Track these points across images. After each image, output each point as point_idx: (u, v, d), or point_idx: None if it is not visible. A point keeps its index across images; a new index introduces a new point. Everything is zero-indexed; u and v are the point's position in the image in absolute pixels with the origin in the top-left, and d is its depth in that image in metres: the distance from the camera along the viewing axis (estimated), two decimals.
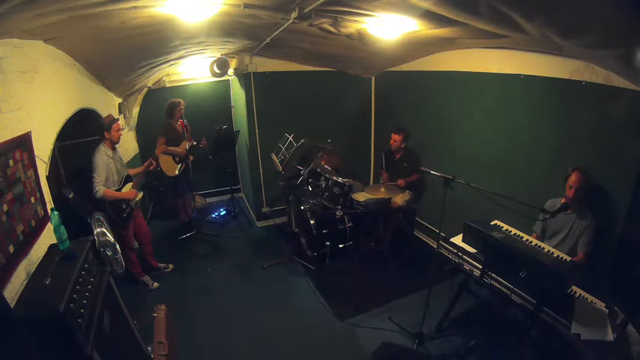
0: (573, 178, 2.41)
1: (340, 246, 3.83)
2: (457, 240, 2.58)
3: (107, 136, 3.11)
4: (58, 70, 2.56)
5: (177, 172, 4.46)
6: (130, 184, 3.30)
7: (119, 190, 3.17)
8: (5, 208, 1.65)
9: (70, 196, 2.87)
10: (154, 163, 3.68)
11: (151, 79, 4.48)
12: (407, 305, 3.20)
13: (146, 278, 3.58)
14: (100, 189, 2.95)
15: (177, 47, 3.30)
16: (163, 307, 2.76)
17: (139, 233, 3.61)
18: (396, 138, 4.07)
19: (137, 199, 3.35)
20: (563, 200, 2.53)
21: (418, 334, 2.74)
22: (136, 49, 3.06)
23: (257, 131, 4.70)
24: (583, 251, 2.46)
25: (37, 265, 1.82)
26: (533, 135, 2.98)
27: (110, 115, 3.24)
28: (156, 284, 3.59)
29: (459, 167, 3.75)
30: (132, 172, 3.52)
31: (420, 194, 4.38)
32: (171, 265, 3.94)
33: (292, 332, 3.00)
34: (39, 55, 2.23)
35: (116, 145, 3.24)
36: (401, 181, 4.02)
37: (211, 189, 5.96)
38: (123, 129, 3.66)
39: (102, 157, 3.03)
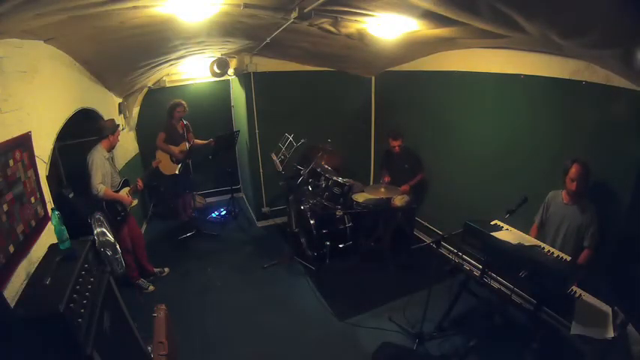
0: (574, 170, 2.37)
1: (340, 246, 3.82)
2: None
3: (110, 139, 3.13)
4: (58, 70, 2.56)
5: (176, 172, 4.47)
6: (127, 188, 3.30)
7: (116, 192, 3.17)
8: (5, 208, 1.64)
9: (70, 196, 2.87)
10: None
11: (151, 79, 4.49)
12: (407, 305, 3.19)
13: (142, 281, 3.55)
14: (101, 188, 2.96)
15: (177, 47, 3.30)
16: (163, 307, 2.76)
17: (133, 238, 3.54)
18: (396, 144, 4.05)
19: (132, 205, 3.35)
20: (563, 193, 2.52)
21: (418, 334, 2.74)
22: (136, 49, 3.07)
23: (257, 131, 4.69)
24: (588, 244, 2.43)
25: (37, 265, 1.82)
26: (533, 135, 2.98)
27: (113, 120, 3.28)
28: (152, 287, 3.56)
29: (459, 167, 3.76)
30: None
31: (420, 194, 4.37)
32: (167, 269, 3.89)
33: (292, 332, 2.99)
34: (39, 55, 2.23)
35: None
36: (404, 187, 4.01)
37: (211, 189, 5.96)
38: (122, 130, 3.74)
39: (99, 156, 3.04)
